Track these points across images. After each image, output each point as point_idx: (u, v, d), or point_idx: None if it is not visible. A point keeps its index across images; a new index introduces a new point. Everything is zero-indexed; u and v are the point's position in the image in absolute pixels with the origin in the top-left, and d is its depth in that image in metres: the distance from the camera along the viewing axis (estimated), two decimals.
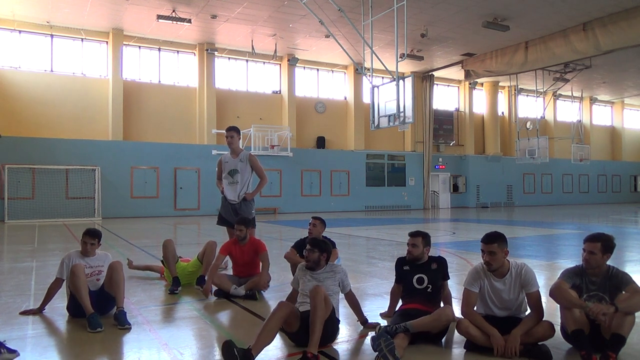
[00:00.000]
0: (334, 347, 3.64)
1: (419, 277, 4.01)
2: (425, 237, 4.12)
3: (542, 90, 27.22)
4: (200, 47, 22.24)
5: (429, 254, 4.18)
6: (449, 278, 4.14)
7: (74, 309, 4.35)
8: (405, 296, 4.08)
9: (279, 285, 5.85)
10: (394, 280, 4.34)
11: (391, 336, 3.34)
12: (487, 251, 3.58)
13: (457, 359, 3.49)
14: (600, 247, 3.45)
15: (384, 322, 4.07)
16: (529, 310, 3.62)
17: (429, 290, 3.96)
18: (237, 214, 6.01)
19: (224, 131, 6.44)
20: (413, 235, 4.14)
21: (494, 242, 3.57)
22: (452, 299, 4.28)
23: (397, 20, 13.53)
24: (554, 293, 3.49)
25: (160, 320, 4.52)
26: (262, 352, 3.27)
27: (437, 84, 28.51)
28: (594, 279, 3.51)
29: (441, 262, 4.11)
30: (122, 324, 4.09)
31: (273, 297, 5.30)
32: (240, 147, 6.40)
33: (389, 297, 4.50)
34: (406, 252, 4.17)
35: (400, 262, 4.22)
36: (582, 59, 22.06)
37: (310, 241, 4.05)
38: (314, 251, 3.89)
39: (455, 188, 29.63)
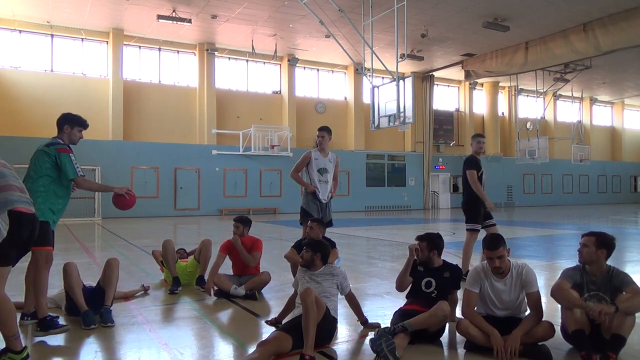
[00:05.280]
0: (333, 347, 3.64)
1: (427, 281, 3.97)
2: (430, 241, 4.03)
3: (542, 90, 27.23)
4: (201, 47, 22.25)
5: (446, 261, 4.10)
6: (459, 288, 4.02)
7: (70, 308, 4.37)
8: (410, 296, 4.06)
9: (279, 285, 5.85)
10: (397, 277, 4.25)
11: (391, 336, 3.34)
12: (495, 257, 3.56)
13: (457, 359, 3.49)
14: (594, 241, 3.46)
15: (384, 323, 4.07)
16: (528, 311, 3.62)
17: (433, 295, 3.91)
18: (323, 212, 6.23)
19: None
20: (418, 239, 4.08)
21: (498, 246, 3.56)
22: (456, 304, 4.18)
23: (397, 20, 13.53)
24: (555, 293, 3.48)
25: (160, 320, 4.52)
26: None
27: (437, 84, 28.52)
28: (594, 278, 3.50)
29: (455, 272, 4.02)
30: (105, 322, 4.15)
31: (273, 297, 5.31)
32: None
33: (389, 297, 4.50)
34: None
35: (415, 261, 4.13)
36: (582, 60, 22.05)
37: (306, 242, 4.11)
38: (307, 251, 3.95)
39: (455, 188, 29.62)
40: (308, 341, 3.27)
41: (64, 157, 4.14)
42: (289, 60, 23.81)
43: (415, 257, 4.05)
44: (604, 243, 3.49)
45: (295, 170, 6.45)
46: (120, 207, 4.49)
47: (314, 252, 3.92)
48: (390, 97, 13.77)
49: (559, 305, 3.52)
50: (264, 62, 24.23)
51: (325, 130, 6.37)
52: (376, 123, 14.37)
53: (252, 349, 3.43)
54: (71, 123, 4.43)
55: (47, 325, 3.92)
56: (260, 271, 5.58)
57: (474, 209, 6.44)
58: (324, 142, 6.31)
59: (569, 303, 3.39)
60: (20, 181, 3.44)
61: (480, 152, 6.49)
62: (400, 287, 4.08)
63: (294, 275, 5.56)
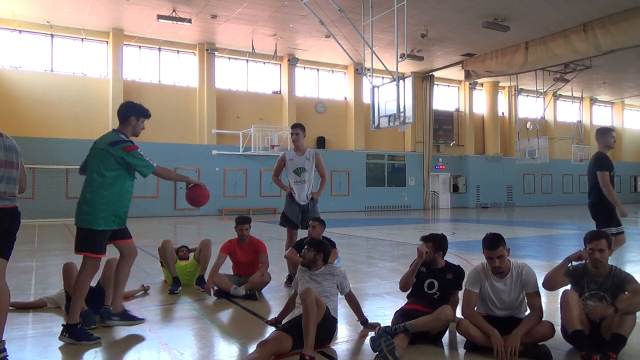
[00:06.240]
0: (333, 347, 3.64)
1: (430, 282, 3.95)
2: (436, 242, 4.02)
3: (542, 90, 27.22)
4: (201, 47, 22.24)
5: (449, 262, 4.09)
6: (461, 289, 3.98)
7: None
8: (412, 296, 4.06)
9: (279, 285, 5.85)
10: (402, 277, 4.21)
11: (391, 336, 3.33)
12: (495, 257, 3.55)
13: (457, 359, 3.49)
14: (606, 243, 3.45)
15: (384, 323, 4.07)
16: (528, 311, 3.62)
17: (435, 296, 3.91)
18: (304, 214, 5.99)
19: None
20: (423, 240, 4.06)
21: (498, 245, 3.55)
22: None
23: (397, 20, 13.53)
24: (545, 280, 3.60)
25: (160, 320, 4.52)
26: None
27: (437, 84, 28.51)
28: (598, 278, 3.50)
29: (457, 273, 4.00)
30: (105, 322, 4.14)
31: (273, 297, 5.31)
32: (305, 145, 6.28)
33: (389, 297, 4.49)
34: None
35: None
36: (582, 60, 22.05)
37: (308, 241, 4.08)
38: (310, 251, 3.92)
39: (455, 188, 29.62)
40: (308, 341, 3.26)
41: (134, 155, 3.88)
42: (289, 60, 23.80)
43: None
44: (611, 243, 3.50)
45: (273, 174, 6.40)
46: (195, 200, 4.21)
47: (317, 252, 3.90)
48: (390, 97, 13.76)
49: (559, 305, 3.51)
50: (264, 62, 24.22)
51: (298, 127, 6.16)
52: (376, 123, 14.36)
53: (252, 349, 3.43)
54: (137, 114, 4.10)
55: (79, 335, 3.70)
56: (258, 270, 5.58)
57: (606, 211, 5.39)
58: (298, 139, 6.09)
59: (554, 278, 3.56)
60: (5, 183, 3.36)
61: (612, 148, 5.51)
62: (404, 288, 4.06)
63: (294, 275, 5.57)
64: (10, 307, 4.53)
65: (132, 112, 4.08)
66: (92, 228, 3.80)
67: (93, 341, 3.70)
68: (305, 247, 3.98)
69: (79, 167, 4.33)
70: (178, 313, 4.77)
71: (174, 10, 17.94)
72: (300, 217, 6.02)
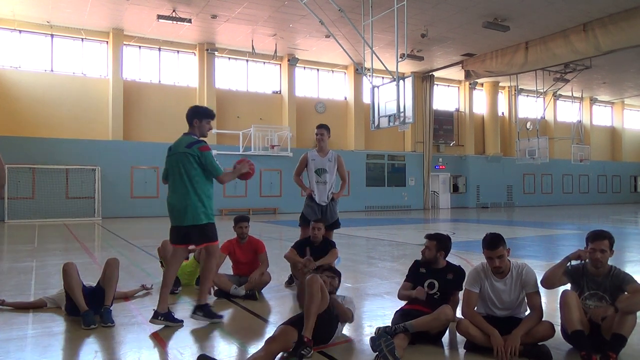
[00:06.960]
0: (334, 347, 3.64)
1: (430, 282, 3.96)
2: (439, 242, 4.02)
3: (542, 90, 27.22)
4: (201, 47, 22.24)
5: (450, 262, 4.10)
6: (461, 289, 3.97)
7: (70, 308, 4.37)
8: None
9: (279, 285, 5.85)
10: (403, 280, 4.24)
11: (391, 336, 3.34)
12: (495, 257, 3.55)
13: (457, 359, 3.49)
14: (608, 243, 3.45)
15: (384, 323, 4.07)
16: (529, 311, 3.61)
17: (436, 297, 3.91)
18: (323, 215, 5.99)
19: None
20: (428, 237, 4.08)
21: (498, 245, 3.54)
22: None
23: (397, 20, 13.53)
24: (543, 279, 3.60)
25: None
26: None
27: (437, 84, 28.51)
28: (598, 279, 3.51)
29: (458, 273, 4.00)
30: (105, 322, 4.15)
31: (273, 297, 5.31)
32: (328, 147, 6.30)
33: (389, 297, 4.49)
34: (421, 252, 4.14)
35: (417, 264, 4.14)
36: (582, 60, 22.04)
37: (328, 268, 4.21)
38: (335, 279, 4.07)
39: (455, 188, 29.62)
40: (308, 325, 3.30)
41: (208, 156, 4.19)
42: (289, 60, 23.80)
43: (422, 256, 4.08)
44: (613, 243, 3.50)
45: (295, 174, 6.43)
46: (245, 177, 4.64)
47: (339, 278, 4.11)
48: (390, 97, 13.76)
49: (559, 305, 3.52)
50: (264, 62, 24.22)
51: (323, 127, 6.16)
52: (376, 123, 14.37)
53: (252, 349, 3.43)
54: (199, 116, 4.41)
55: (210, 313, 4.21)
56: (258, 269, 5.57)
57: None
58: (323, 140, 6.12)
59: (553, 276, 3.58)
60: None
61: None
62: (401, 299, 4.12)
63: (295, 277, 5.58)
64: (10, 307, 4.56)
65: (194, 116, 4.42)
66: (208, 222, 4.19)
67: (219, 319, 4.22)
68: (329, 274, 4.06)
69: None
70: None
71: (174, 10, 17.94)
72: (318, 217, 6.04)
